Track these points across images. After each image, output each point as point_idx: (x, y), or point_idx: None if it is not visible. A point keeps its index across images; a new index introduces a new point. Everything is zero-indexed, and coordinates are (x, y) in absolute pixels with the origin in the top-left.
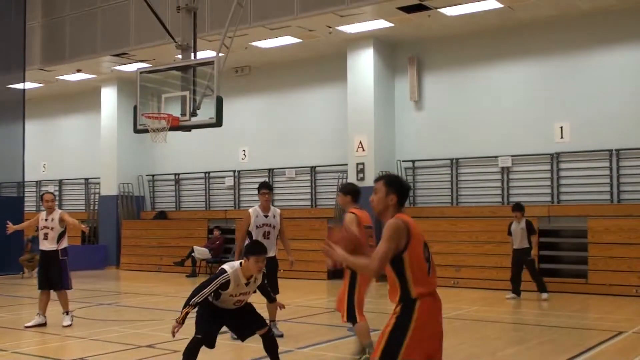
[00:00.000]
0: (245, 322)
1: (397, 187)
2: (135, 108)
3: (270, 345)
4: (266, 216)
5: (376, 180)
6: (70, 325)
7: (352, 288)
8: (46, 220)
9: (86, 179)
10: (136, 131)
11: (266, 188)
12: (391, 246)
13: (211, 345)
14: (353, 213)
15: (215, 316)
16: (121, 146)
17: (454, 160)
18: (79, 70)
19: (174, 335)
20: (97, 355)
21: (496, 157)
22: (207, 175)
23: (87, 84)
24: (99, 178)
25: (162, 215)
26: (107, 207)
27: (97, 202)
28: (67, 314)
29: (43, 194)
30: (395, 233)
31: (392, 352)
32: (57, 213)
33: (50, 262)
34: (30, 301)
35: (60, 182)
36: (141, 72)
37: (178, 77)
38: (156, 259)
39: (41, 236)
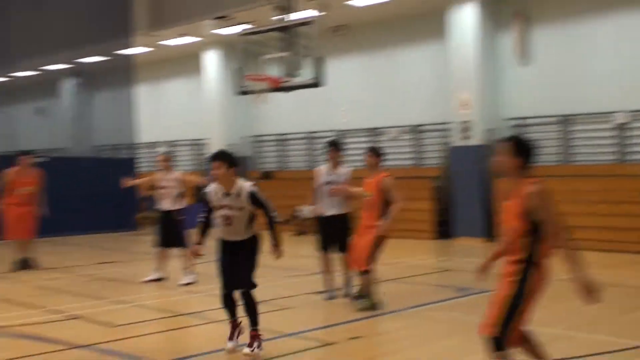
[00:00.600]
0: (232, 272)
1: (522, 150)
2: (237, 70)
3: (246, 305)
4: (330, 175)
5: (502, 142)
6: (188, 284)
7: (377, 244)
8: (165, 180)
9: (194, 140)
10: (238, 93)
11: (332, 145)
12: (554, 209)
13: (231, 302)
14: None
15: (223, 260)
16: (225, 107)
17: (565, 118)
18: (182, 35)
19: (196, 257)
20: (214, 310)
21: (611, 112)
22: (310, 135)
23: (189, 47)
24: (207, 139)
25: (267, 175)
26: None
27: (203, 162)
28: (190, 273)
29: (159, 155)
30: (550, 197)
31: (508, 320)
32: (176, 173)
33: (169, 221)
34: (147, 257)
35: (170, 144)
36: (242, 34)
37: (278, 39)
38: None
39: (160, 196)
